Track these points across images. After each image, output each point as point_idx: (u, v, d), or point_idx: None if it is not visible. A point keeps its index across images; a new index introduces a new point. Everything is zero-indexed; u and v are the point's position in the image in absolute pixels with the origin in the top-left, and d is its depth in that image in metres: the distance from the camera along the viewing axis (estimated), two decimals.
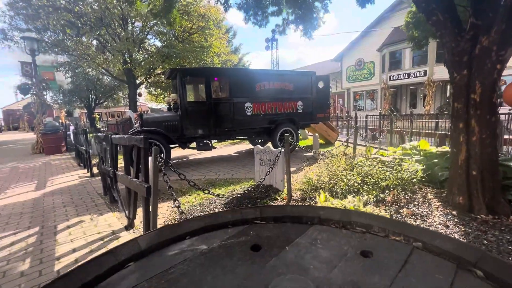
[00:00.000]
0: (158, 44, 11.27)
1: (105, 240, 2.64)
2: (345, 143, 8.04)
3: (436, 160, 3.78)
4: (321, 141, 9.01)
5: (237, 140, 10.19)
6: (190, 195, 4.00)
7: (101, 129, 22.02)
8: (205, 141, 6.45)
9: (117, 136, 3.03)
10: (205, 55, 11.37)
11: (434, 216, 2.63)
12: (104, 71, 13.11)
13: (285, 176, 3.59)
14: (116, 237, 2.68)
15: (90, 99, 22.33)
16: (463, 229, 2.33)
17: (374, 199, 3.10)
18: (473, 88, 2.55)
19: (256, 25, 5.87)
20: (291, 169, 4.23)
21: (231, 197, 3.68)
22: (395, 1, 21.62)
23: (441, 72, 17.78)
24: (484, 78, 2.48)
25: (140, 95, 17.16)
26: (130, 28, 10.35)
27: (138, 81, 13.74)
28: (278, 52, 16.35)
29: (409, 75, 19.31)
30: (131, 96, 13.02)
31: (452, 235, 2.28)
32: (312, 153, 5.07)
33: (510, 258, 1.91)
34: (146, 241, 0.64)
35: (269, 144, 5.03)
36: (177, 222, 0.70)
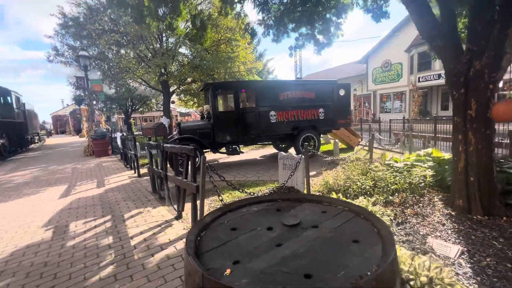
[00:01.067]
0: (189, 55, 12.32)
1: (162, 226, 3.40)
2: (366, 148, 8.32)
3: (447, 166, 4.08)
4: (343, 146, 9.33)
5: (262, 145, 10.83)
6: (223, 194, 4.69)
7: (135, 133, 24.05)
8: (234, 146, 7.18)
9: (168, 145, 3.81)
10: (232, 65, 12.23)
11: (434, 215, 3.03)
12: (142, 81, 14.52)
13: (305, 179, 4.14)
14: (169, 225, 3.44)
15: (128, 106, 24.42)
16: (456, 227, 2.73)
17: (384, 201, 3.54)
18: (469, 105, 2.92)
19: (274, 41, 6.48)
20: (312, 173, 4.77)
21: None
22: None
23: None
24: (479, 96, 2.85)
25: (173, 102, 18.58)
26: (165, 43, 11.51)
27: (171, 90, 15.00)
28: (301, 59, 16.74)
29: (439, 75, 18.60)
30: (165, 104, 14.29)
31: (446, 231, 2.69)
32: (331, 159, 5.52)
33: (490, 250, 2.30)
34: (228, 207, 1.26)
35: (291, 150, 5.57)
36: (238, 199, 1.33)
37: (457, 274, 2.07)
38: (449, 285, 1.79)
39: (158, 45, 11.51)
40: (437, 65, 18.79)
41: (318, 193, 4.17)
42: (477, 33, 2.81)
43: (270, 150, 9.95)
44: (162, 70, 11.33)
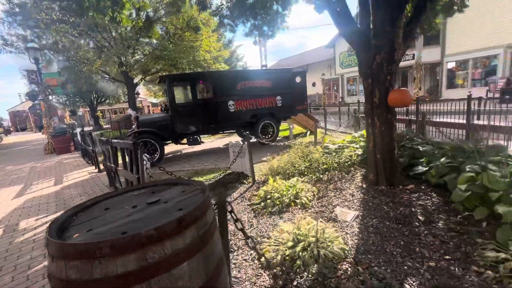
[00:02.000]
0: (151, 45, 12.01)
1: None
2: (322, 131, 8.92)
3: None
4: (303, 130, 9.89)
5: (229, 134, 11.11)
6: None
7: (104, 127, 23.16)
8: (194, 137, 7.41)
9: (115, 140, 3.99)
10: (196, 54, 12.13)
11: (349, 189, 3.57)
12: (102, 73, 13.95)
13: (250, 164, 4.54)
14: None
15: (92, 99, 23.28)
16: (362, 197, 3.27)
17: (316, 179, 4.05)
18: (374, 93, 3.41)
19: (229, 31, 6.65)
20: (268, 157, 5.20)
21: (208, 183, 4.66)
22: None
23: (429, 55, 18.23)
24: (381, 86, 3.34)
25: (137, 94, 18.04)
26: (124, 32, 11.10)
27: (136, 81, 14.59)
28: (266, 47, 16.89)
29: None
30: (130, 95, 13.93)
31: (353, 201, 3.22)
32: (285, 143, 5.98)
33: (379, 213, 2.84)
34: (114, 192, 1.57)
35: (239, 139, 5.87)
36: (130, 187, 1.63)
37: (346, 233, 2.59)
38: (329, 241, 2.28)
39: (114, 34, 11.06)
40: None
41: (264, 176, 4.60)
42: (378, 31, 3.24)
43: (235, 138, 10.26)
44: (121, 60, 10.99)
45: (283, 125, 10.47)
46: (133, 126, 7.03)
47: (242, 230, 1.61)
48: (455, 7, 4.18)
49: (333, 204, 3.22)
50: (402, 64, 19.64)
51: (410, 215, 2.73)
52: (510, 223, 2.14)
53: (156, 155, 6.60)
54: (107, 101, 25.84)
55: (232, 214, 1.61)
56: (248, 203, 3.65)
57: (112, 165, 4.32)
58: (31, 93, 12.13)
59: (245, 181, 4.59)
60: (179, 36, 12.62)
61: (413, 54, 18.65)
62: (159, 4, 9.98)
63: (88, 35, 10.79)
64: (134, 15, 9.19)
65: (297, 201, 3.32)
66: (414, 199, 3.03)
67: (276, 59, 40.99)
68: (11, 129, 40.50)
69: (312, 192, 3.59)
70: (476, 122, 5.76)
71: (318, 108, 19.51)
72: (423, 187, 3.30)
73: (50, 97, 12.59)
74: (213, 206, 1.41)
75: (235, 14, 6.11)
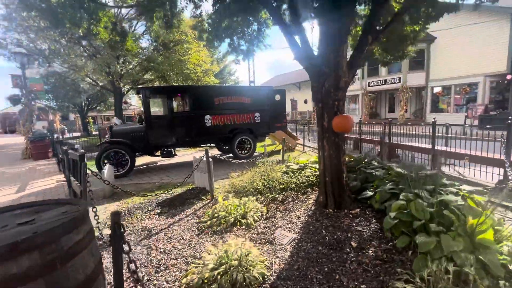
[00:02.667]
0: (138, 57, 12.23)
1: None
2: (300, 149, 9.01)
3: None
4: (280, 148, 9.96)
5: (209, 147, 11.12)
6: (138, 196, 4.92)
7: (94, 133, 22.95)
8: (169, 149, 7.40)
9: (70, 151, 3.97)
10: (183, 67, 12.35)
11: (298, 210, 3.58)
12: (91, 80, 14.03)
13: (210, 180, 4.53)
14: None
15: (83, 105, 23.22)
16: (306, 219, 3.28)
17: (271, 198, 4.05)
18: (324, 117, 3.50)
19: (209, 46, 6.82)
20: (232, 174, 5.21)
21: (167, 197, 4.62)
22: None
23: (416, 79, 18.83)
24: (329, 111, 3.44)
25: (125, 102, 18.12)
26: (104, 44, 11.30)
27: (124, 90, 14.68)
28: (254, 63, 17.31)
29: (385, 81, 20.33)
30: (116, 104, 13.96)
31: (296, 223, 3.22)
32: (258, 160, 6.01)
33: (316, 237, 2.85)
34: None
35: (202, 154, 5.82)
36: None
37: (277, 257, 2.57)
38: (251, 266, 2.26)
39: (99, 43, 11.26)
40: (383, 72, 20.51)
41: (225, 193, 4.58)
42: (325, 60, 3.38)
43: (214, 151, 10.27)
44: (109, 69, 11.11)
45: (267, 140, 10.56)
46: (106, 136, 7.01)
47: (127, 253, 1.60)
48: (409, 41, 4.40)
49: (276, 225, 3.22)
50: (389, 86, 20.29)
51: (344, 241, 2.74)
52: (426, 253, 2.17)
53: (126, 166, 6.55)
54: (98, 107, 25.80)
55: (123, 236, 1.60)
56: (197, 220, 3.62)
57: (67, 174, 4.27)
58: (13, 97, 12.04)
59: (204, 197, 4.57)
60: (168, 49, 12.88)
61: (399, 78, 19.28)
62: (137, 19, 10.30)
63: (76, 43, 10.95)
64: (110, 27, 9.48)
65: (243, 221, 3.31)
66: (354, 224, 3.05)
67: (272, 75, 41.73)
68: None
69: (261, 212, 3.59)
70: (440, 147, 5.92)
71: (307, 125, 19.77)
72: (367, 211, 3.33)
73: (43, 102, 12.50)
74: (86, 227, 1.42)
75: (212, 32, 6.30)
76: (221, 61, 23.83)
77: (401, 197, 2.83)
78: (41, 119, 31.44)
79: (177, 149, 8.04)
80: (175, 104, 7.34)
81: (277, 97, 8.84)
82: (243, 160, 6.63)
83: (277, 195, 4.11)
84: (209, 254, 2.48)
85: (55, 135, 10.64)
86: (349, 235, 2.83)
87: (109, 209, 4.32)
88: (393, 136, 7.46)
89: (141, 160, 8.83)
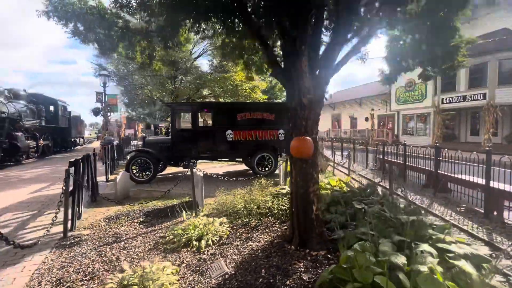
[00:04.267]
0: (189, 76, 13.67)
1: None
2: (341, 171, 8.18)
3: None
4: None
5: (238, 161, 11.18)
6: (144, 203, 5.26)
7: None
8: (191, 161, 7.80)
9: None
10: (226, 84, 13.12)
11: (259, 241, 3.20)
12: (155, 97, 16.27)
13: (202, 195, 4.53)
14: None
15: (155, 116, 27.01)
16: (258, 253, 2.88)
17: (245, 222, 3.77)
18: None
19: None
20: (220, 192, 5.12)
21: (160, 207, 4.83)
22: None
23: (506, 95, 15.06)
24: (297, 132, 3.02)
25: None
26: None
27: None
28: None
29: (464, 98, 16.92)
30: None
31: (244, 256, 2.87)
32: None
33: (250, 277, 2.46)
34: None
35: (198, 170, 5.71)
36: None
37: None
38: None
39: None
40: (462, 87, 17.16)
41: (212, 210, 4.49)
42: (287, 73, 3.03)
43: (241, 166, 10.22)
44: (163, 88, 12.70)
45: None
46: (140, 145, 7.88)
47: None
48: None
49: (223, 254, 2.94)
50: (470, 104, 16.78)
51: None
52: None
53: (149, 173, 7.17)
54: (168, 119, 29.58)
55: None
56: (162, 235, 3.63)
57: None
58: (95, 109, 14.97)
59: (189, 212, 4.57)
60: (216, 68, 13.93)
61: (484, 93, 15.75)
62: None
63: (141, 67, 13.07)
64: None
65: (195, 243, 3.15)
66: (303, 269, 2.53)
67: (330, 91, 40.16)
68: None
69: (221, 236, 3.35)
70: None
71: (362, 144, 17.89)
72: (333, 255, 2.72)
73: (109, 114, 15.20)
74: None
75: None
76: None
77: (356, 246, 2.21)
78: (130, 128, 37.90)
79: (205, 161, 8.38)
80: (199, 119, 7.77)
81: None
82: (237, 178, 6.41)
83: (252, 220, 3.80)
84: (119, 273, 2.43)
85: (115, 142, 12.57)
86: (287, 282, 2.35)
87: (107, 211, 4.78)
88: (459, 165, 5.71)
89: (172, 169, 9.52)
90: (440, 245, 2.01)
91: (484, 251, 2.34)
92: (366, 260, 1.93)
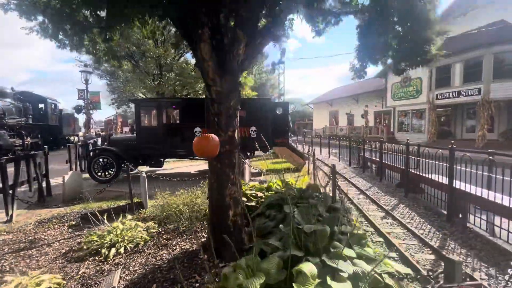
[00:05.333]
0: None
1: None
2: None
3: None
4: (290, 166, 8.93)
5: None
6: (89, 204, 5.00)
7: None
8: (159, 159, 7.53)
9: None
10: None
11: (175, 249, 2.90)
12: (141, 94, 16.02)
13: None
14: None
15: None
16: (161, 263, 2.59)
17: (174, 227, 3.49)
18: None
19: None
20: (164, 193, 4.83)
21: (104, 209, 4.55)
22: (445, 9, 18.99)
23: (502, 90, 14.49)
24: (211, 127, 2.71)
25: None
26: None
27: None
28: (284, 76, 16.52)
29: (459, 93, 16.36)
30: None
31: (147, 266, 2.58)
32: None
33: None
34: None
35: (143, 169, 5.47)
36: None
37: None
38: None
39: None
40: (457, 81, 16.58)
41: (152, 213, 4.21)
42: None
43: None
44: (143, 84, 12.42)
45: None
46: (105, 143, 7.63)
47: None
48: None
49: (128, 264, 2.65)
50: (464, 100, 16.23)
51: None
52: None
53: (112, 172, 6.91)
54: None
55: None
56: (79, 241, 3.35)
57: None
58: (77, 107, 14.79)
59: (128, 214, 4.29)
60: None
61: (479, 88, 15.18)
62: None
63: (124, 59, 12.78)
64: None
65: (103, 251, 2.87)
66: (198, 284, 2.23)
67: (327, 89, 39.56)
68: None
69: (137, 243, 3.06)
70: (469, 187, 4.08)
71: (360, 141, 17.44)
72: None
73: (91, 112, 15.01)
74: None
75: None
76: (271, 73, 23.78)
77: (241, 261, 1.90)
78: (128, 126, 37.85)
79: (179, 160, 8.10)
80: (165, 116, 7.47)
81: (279, 110, 8.02)
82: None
83: (183, 224, 3.51)
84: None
85: (93, 140, 12.37)
86: None
87: (49, 213, 4.53)
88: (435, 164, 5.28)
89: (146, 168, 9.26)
90: (330, 262, 1.69)
91: (401, 269, 2.01)
92: (234, 281, 1.62)
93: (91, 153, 7.18)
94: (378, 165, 7.62)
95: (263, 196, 3.96)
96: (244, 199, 3.91)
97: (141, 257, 2.79)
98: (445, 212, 4.31)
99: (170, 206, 3.89)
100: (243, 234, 2.79)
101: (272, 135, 7.91)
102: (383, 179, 7.24)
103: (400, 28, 4.30)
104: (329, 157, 13.01)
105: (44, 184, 5.51)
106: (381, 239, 3.48)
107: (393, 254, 3.04)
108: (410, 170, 5.72)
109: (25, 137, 14.95)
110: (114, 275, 2.42)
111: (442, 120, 19.44)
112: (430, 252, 3.14)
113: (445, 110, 18.97)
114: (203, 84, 14.96)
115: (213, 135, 2.45)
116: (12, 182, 4.22)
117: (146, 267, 2.58)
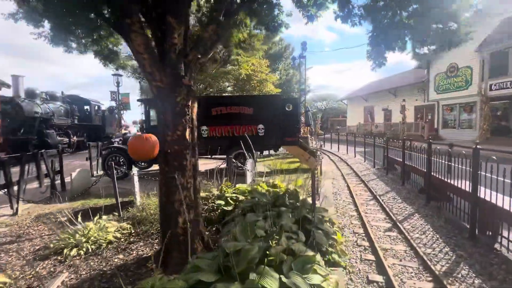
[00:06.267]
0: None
1: None
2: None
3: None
4: (303, 166, 8.39)
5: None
6: (89, 201, 5.21)
7: None
8: None
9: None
10: (229, 78, 12.79)
11: (131, 254, 2.76)
12: None
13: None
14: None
15: None
16: (108, 273, 2.46)
17: (146, 229, 3.39)
18: None
19: None
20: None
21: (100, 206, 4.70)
22: None
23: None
24: (163, 127, 2.50)
25: None
26: None
27: None
28: (305, 69, 15.63)
29: None
30: None
31: (97, 269, 2.47)
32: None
33: None
34: None
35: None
36: None
37: None
38: None
39: None
40: None
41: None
42: None
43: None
44: None
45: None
46: (120, 141, 7.99)
47: None
48: None
49: (78, 267, 2.59)
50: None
51: None
52: None
53: (123, 169, 7.19)
54: None
55: None
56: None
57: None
58: (110, 108, 15.96)
59: (116, 212, 4.33)
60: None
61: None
62: None
63: None
64: None
65: (66, 251, 2.85)
66: None
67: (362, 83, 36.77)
68: None
69: (100, 245, 3.00)
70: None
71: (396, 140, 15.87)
72: None
73: (122, 112, 16.04)
74: None
75: None
76: (297, 69, 23.03)
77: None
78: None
79: None
80: None
81: (288, 107, 7.54)
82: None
83: (154, 227, 3.38)
84: None
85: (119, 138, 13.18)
86: None
87: (52, 208, 4.81)
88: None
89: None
90: None
91: None
92: None
93: (104, 151, 7.57)
94: (402, 167, 6.70)
95: (244, 200, 3.66)
96: (222, 202, 3.66)
97: (96, 260, 2.71)
98: (468, 227, 3.50)
99: (149, 208, 3.81)
100: (196, 243, 2.54)
101: (281, 133, 7.49)
102: (406, 183, 6.34)
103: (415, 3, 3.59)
104: (354, 156, 12.02)
105: (58, 181, 5.95)
106: (372, 257, 2.93)
107: (379, 278, 2.51)
108: (433, 174, 4.85)
109: (71, 136, 16.70)
110: (56, 280, 2.36)
111: (498, 114, 16.68)
112: (430, 278, 2.52)
113: (503, 102, 16.22)
114: (227, 83, 14.98)
115: (150, 135, 2.24)
116: (17, 178, 4.56)
117: (93, 272, 2.49)
